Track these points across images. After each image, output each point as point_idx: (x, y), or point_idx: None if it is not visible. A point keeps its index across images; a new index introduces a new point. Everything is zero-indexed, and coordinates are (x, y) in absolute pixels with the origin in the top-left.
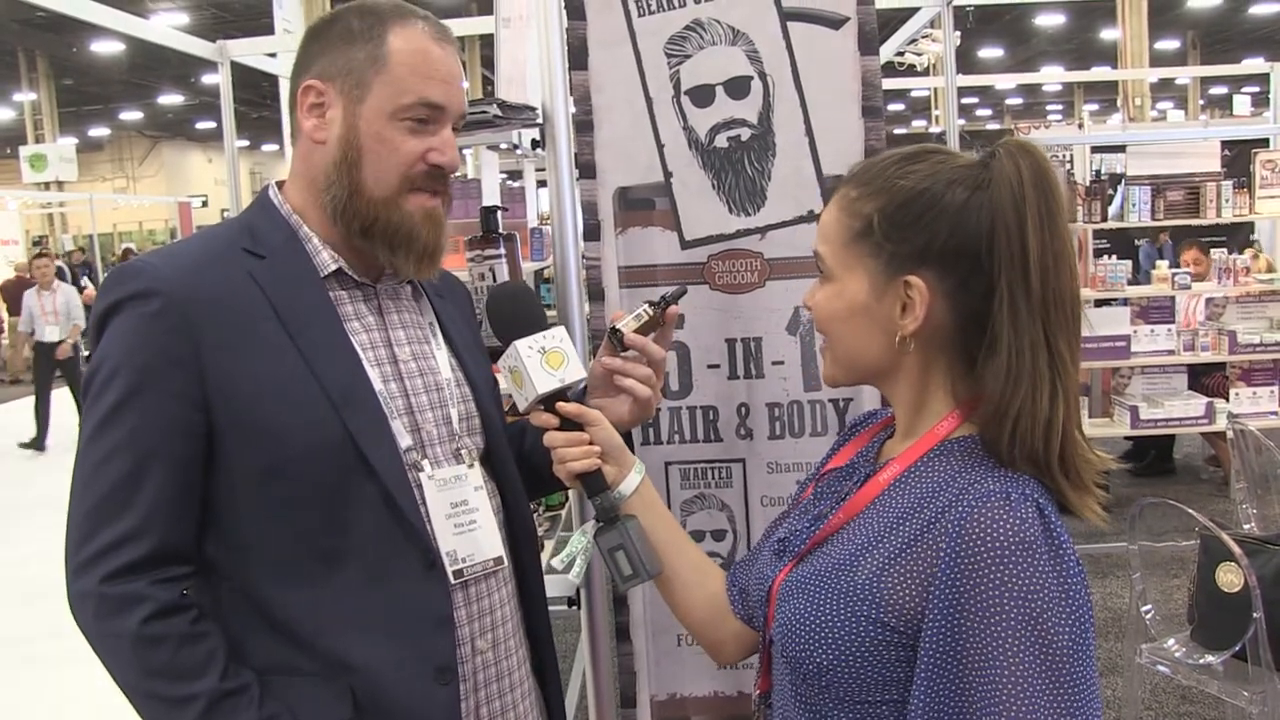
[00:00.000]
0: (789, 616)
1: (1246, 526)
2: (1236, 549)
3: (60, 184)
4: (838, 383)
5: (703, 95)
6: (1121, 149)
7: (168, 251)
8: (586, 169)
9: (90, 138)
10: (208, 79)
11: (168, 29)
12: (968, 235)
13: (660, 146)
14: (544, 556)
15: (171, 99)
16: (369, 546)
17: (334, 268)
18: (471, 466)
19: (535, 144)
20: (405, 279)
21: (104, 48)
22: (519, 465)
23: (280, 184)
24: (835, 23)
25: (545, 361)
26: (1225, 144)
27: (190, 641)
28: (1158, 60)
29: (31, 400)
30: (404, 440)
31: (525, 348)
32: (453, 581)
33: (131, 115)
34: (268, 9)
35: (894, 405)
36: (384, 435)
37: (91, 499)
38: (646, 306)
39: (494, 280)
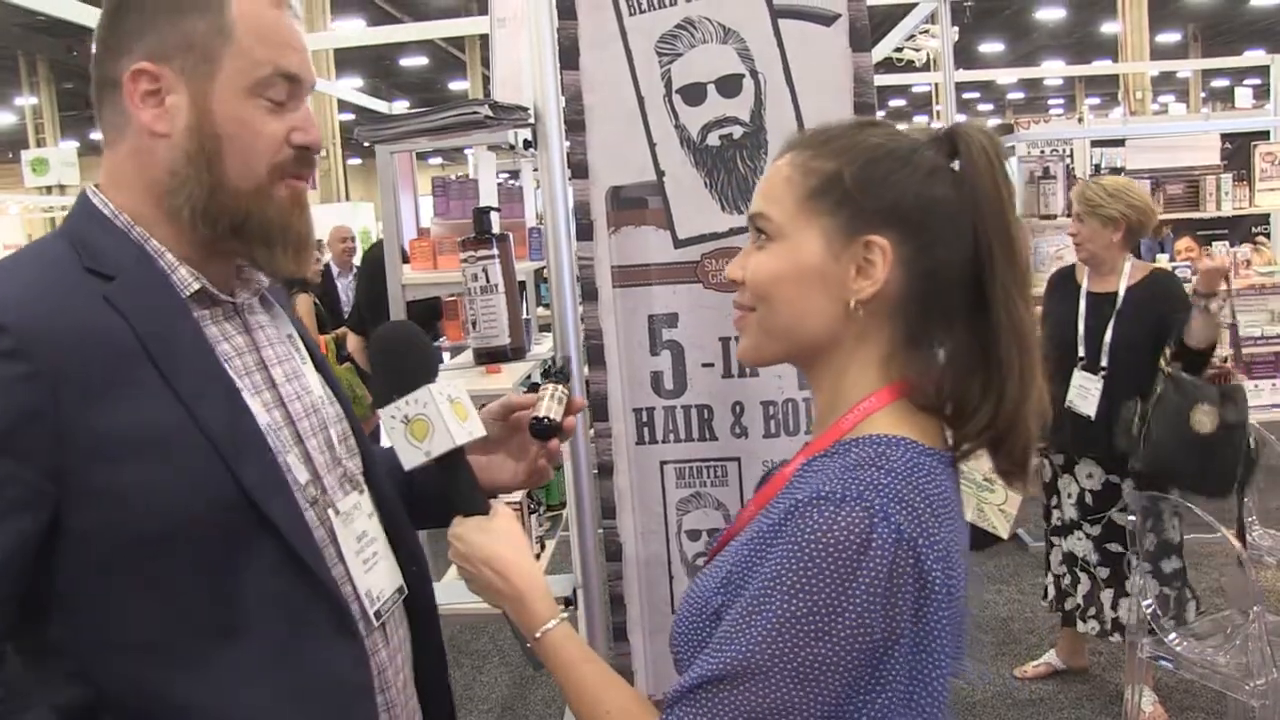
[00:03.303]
0: (673, 629)
1: (1249, 519)
2: (1213, 393)
3: (62, 188)
4: (762, 359)
5: (694, 94)
6: (1122, 143)
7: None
8: (579, 168)
9: (92, 141)
10: None
11: None
12: (933, 200)
13: (652, 145)
14: (543, 559)
15: None
16: (267, 616)
17: (196, 287)
18: (362, 493)
19: (527, 144)
20: (281, 278)
21: None
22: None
23: (98, 188)
24: (826, 19)
25: (454, 411)
26: (1226, 136)
27: None
28: (1158, 53)
29: None
30: (301, 475)
31: (439, 394)
32: (375, 624)
33: None
34: None
35: (815, 387)
36: (281, 485)
37: None
38: (556, 389)
39: (486, 281)
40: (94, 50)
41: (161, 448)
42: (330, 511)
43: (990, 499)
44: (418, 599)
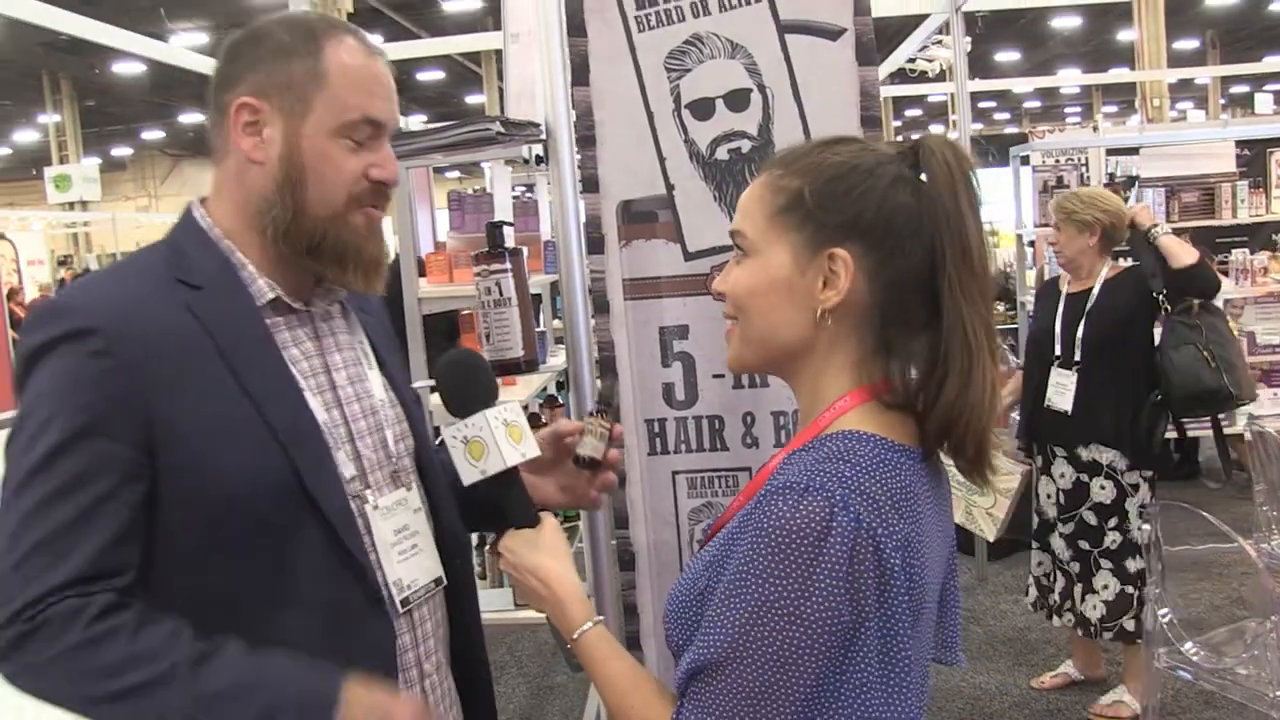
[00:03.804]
0: (665, 608)
1: (1269, 529)
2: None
3: (84, 204)
4: (745, 366)
5: (703, 108)
6: (1137, 151)
7: (96, 285)
8: (590, 183)
9: (113, 158)
10: None
11: (185, 51)
12: (895, 212)
13: (662, 160)
14: None
15: (192, 118)
16: (313, 588)
17: (271, 296)
18: (410, 490)
19: (539, 159)
20: (357, 292)
21: (125, 69)
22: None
23: (203, 201)
24: (833, 34)
25: (508, 434)
26: (1242, 144)
27: (146, 625)
28: (1177, 60)
29: None
30: (347, 470)
31: (494, 419)
32: (400, 611)
33: (153, 135)
34: None
35: (796, 392)
36: (329, 473)
37: (26, 546)
38: (598, 421)
39: (500, 294)
40: (212, 79)
41: (231, 436)
42: (368, 506)
43: (979, 502)
44: (459, 592)
